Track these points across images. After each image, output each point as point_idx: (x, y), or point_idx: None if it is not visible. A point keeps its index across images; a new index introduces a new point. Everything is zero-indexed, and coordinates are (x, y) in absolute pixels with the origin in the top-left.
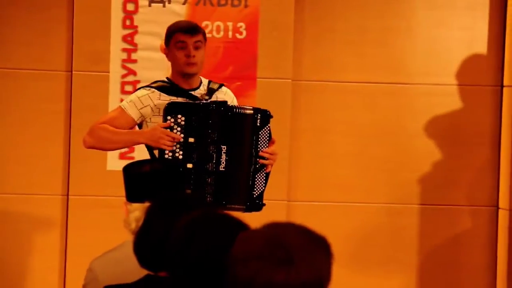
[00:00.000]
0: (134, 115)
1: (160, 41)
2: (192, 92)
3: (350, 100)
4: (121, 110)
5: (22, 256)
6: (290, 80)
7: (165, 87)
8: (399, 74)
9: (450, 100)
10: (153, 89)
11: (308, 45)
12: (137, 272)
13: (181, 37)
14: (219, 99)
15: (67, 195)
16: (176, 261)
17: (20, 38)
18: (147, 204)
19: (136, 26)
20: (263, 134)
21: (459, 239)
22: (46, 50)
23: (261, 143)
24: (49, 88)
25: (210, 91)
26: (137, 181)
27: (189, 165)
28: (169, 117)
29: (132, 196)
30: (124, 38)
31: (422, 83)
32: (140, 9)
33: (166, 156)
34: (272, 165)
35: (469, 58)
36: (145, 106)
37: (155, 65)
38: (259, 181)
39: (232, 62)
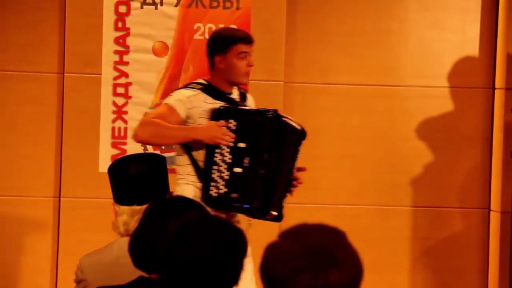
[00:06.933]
0: (182, 113)
1: (152, 43)
2: (231, 96)
3: (342, 102)
4: (170, 107)
5: (14, 258)
6: (282, 82)
7: (209, 89)
8: (392, 76)
9: (442, 102)
10: (199, 91)
11: (300, 47)
12: (127, 274)
13: (244, 47)
14: (247, 104)
15: (59, 197)
16: (168, 262)
17: (12, 40)
18: (135, 208)
19: (128, 28)
20: (299, 152)
21: (450, 241)
22: (38, 52)
23: (296, 160)
24: (41, 90)
25: (243, 96)
26: (123, 183)
27: (238, 170)
28: (222, 121)
29: (119, 198)
30: (116, 40)
31: (414, 85)
32: (132, 11)
33: (215, 158)
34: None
35: (461, 60)
36: (193, 107)
37: (147, 67)
38: (287, 193)
39: None
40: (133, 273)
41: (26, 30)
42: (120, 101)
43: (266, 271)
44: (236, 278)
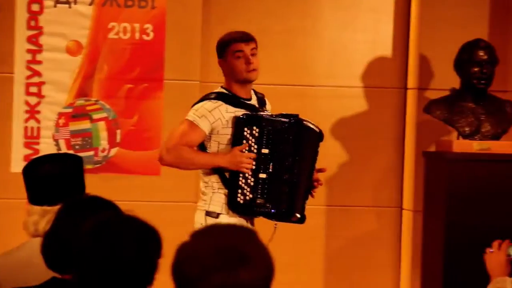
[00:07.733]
0: (206, 129)
1: (66, 42)
2: (250, 103)
3: None
4: (192, 124)
5: None
6: (198, 82)
7: (229, 98)
8: (304, 76)
9: (355, 102)
10: (220, 102)
11: (215, 47)
12: (40, 275)
13: (238, 46)
14: (266, 109)
15: None
16: (83, 262)
17: None
18: (46, 208)
19: (41, 27)
20: (318, 154)
21: (364, 239)
22: None
23: (316, 161)
24: None
25: (261, 102)
26: (36, 183)
27: (263, 175)
28: (245, 129)
29: (33, 198)
30: (29, 39)
31: (327, 85)
32: (45, 10)
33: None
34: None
35: (374, 60)
36: (216, 120)
37: (61, 66)
38: (309, 195)
39: (139, 63)
40: (45, 274)
41: None
42: (33, 100)
43: (177, 271)
44: (151, 279)
